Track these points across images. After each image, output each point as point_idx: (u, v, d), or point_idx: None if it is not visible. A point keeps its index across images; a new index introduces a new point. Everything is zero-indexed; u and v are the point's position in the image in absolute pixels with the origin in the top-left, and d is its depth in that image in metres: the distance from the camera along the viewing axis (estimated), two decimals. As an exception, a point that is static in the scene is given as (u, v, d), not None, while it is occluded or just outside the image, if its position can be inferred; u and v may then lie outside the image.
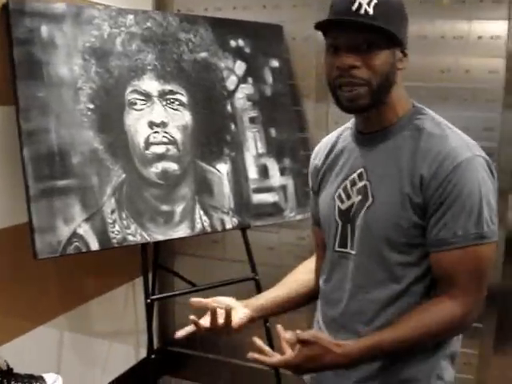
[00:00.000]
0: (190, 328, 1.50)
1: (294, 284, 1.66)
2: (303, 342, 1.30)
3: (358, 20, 1.31)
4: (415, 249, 1.37)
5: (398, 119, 1.41)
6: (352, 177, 1.46)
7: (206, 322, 1.48)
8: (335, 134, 1.59)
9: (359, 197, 1.43)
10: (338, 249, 1.49)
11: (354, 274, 1.44)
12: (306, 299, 1.66)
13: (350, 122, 1.55)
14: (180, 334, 1.52)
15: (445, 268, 1.33)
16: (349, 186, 1.46)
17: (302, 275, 1.68)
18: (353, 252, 1.44)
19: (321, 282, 1.58)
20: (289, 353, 1.33)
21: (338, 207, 1.48)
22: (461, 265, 1.32)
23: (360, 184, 1.44)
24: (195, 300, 1.53)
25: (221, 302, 1.52)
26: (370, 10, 1.31)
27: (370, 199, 1.40)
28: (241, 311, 1.55)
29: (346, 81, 1.34)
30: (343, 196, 1.47)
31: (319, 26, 1.39)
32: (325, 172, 1.56)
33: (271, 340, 2.64)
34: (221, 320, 1.46)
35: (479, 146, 1.38)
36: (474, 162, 1.32)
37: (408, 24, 1.42)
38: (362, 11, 1.31)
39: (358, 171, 1.44)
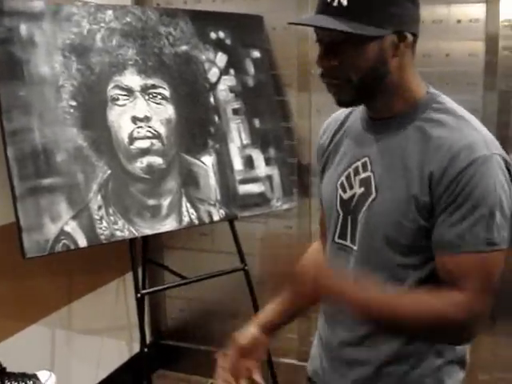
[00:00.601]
0: None
1: None
2: None
3: (318, 24, 1.24)
4: (417, 252, 1.27)
5: (410, 107, 1.29)
6: (356, 165, 1.36)
7: None
8: (344, 112, 1.48)
9: (362, 189, 1.33)
10: (337, 240, 1.41)
11: (353, 268, 1.35)
12: None
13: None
14: None
15: (451, 272, 1.23)
16: (352, 174, 1.36)
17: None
18: (353, 247, 1.36)
19: None
20: None
21: (340, 196, 1.39)
22: (468, 270, 1.21)
23: (363, 175, 1.34)
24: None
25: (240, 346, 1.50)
26: (344, 1, 1.20)
27: (374, 194, 1.30)
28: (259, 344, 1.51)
29: (325, 80, 1.30)
30: (346, 185, 1.38)
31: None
32: (330, 152, 1.47)
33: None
34: None
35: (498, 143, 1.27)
36: (490, 160, 1.19)
37: (406, 2, 1.26)
38: (336, 3, 1.21)
39: (363, 160, 1.34)
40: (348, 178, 1.37)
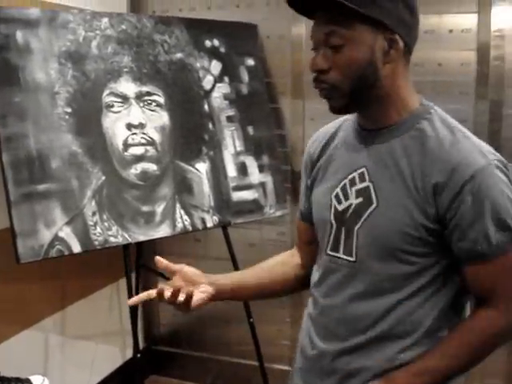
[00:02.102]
0: (143, 296, 1.40)
1: (267, 273, 1.56)
2: None
3: None
4: (420, 258, 1.27)
5: (404, 118, 1.30)
6: (352, 176, 1.35)
7: (166, 294, 1.35)
8: (334, 125, 1.48)
9: (359, 199, 1.32)
10: (329, 252, 1.39)
11: (351, 281, 1.34)
12: (279, 292, 1.59)
13: (351, 114, 1.44)
14: (132, 301, 1.43)
15: (484, 281, 1.25)
16: (348, 185, 1.35)
17: (278, 267, 1.58)
18: (349, 258, 1.34)
19: (311, 284, 1.48)
20: None
21: (335, 208, 1.37)
22: (500, 275, 1.24)
23: (361, 185, 1.33)
24: (161, 260, 1.45)
25: (187, 274, 1.46)
26: None
27: (374, 204, 1.30)
28: (204, 289, 1.45)
29: (316, 86, 1.30)
30: (341, 196, 1.36)
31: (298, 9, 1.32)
32: (321, 166, 1.45)
33: (255, 336, 2.67)
34: (181, 298, 1.35)
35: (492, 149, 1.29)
36: (489, 169, 1.22)
37: (401, 3, 1.25)
38: None
39: (359, 171, 1.34)
40: (344, 188, 1.36)
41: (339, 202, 1.37)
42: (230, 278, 1.54)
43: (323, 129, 1.52)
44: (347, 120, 1.45)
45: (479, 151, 1.23)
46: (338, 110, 1.33)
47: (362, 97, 1.28)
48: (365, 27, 1.23)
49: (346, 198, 1.35)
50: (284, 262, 1.60)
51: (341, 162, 1.40)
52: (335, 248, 1.38)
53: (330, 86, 1.27)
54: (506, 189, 1.23)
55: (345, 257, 1.35)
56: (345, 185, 1.36)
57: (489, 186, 1.21)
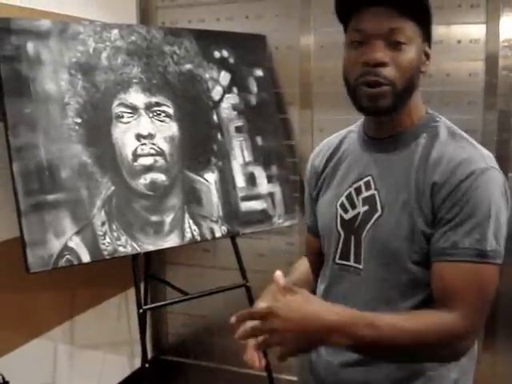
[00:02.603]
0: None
1: (306, 286, 1.49)
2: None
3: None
4: (422, 267, 1.27)
5: (412, 126, 1.32)
6: (358, 184, 1.36)
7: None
8: (338, 137, 1.50)
9: (365, 207, 1.33)
10: (338, 261, 1.39)
11: (358, 289, 1.34)
12: None
13: (355, 125, 1.47)
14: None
15: (444, 280, 1.22)
16: (354, 194, 1.36)
17: (310, 278, 1.55)
18: (359, 266, 1.34)
19: (318, 293, 1.47)
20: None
21: (341, 217, 1.38)
22: (461, 280, 1.21)
23: (367, 193, 1.34)
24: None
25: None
26: None
27: (379, 211, 1.30)
28: None
29: (371, 79, 1.24)
30: (347, 205, 1.37)
31: (343, 8, 1.29)
32: (325, 177, 1.47)
33: (264, 345, 2.66)
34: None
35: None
36: (487, 173, 1.22)
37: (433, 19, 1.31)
38: None
39: (365, 179, 1.35)
40: (349, 197, 1.37)
41: (345, 211, 1.38)
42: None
43: (326, 141, 1.54)
44: (351, 131, 1.47)
45: (480, 155, 1.25)
46: (384, 111, 1.29)
47: (406, 100, 1.29)
48: (419, 33, 1.27)
49: (353, 206, 1.36)
50: (309, 273, 1.58)
51: (345, 172, 1.41)
52: (345, 257, 1.38)
53: (389, 82, 1.24)
54: (494, 197, 1.21)
55: (355, 265, 1.36)
56: (350, 193, 1.37)
57: (479, 188, 1.20)
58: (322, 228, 1.47)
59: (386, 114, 1.30)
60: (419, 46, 1.27)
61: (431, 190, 1.24)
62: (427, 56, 1.31)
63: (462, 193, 1.20)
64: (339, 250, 1.39)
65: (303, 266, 1.60)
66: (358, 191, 1.36)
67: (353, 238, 1.36)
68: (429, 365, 1.31)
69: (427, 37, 1.30)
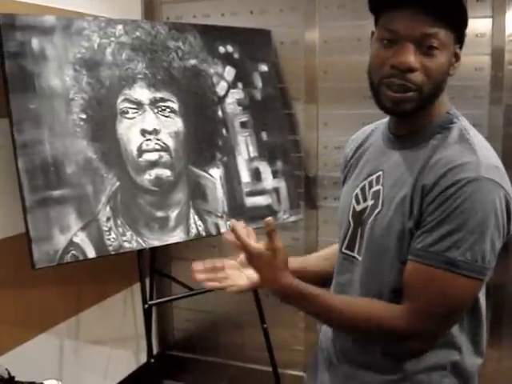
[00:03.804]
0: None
1: (329, 262, 1.55)
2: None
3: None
4: None
5: (429, 124, 1.29)
6: (371, 178, 1.37)
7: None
8: (371, 127, 1.50)
9: (372, 201, 1.34)
10: (344, 250, 1.42)
11: (355, 280, 1.36)
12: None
13: (388, 118, 1.42)
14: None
15: (408, 278, 1.23)
16: (367, 187, 1.37)
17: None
18: (359, 258, 1.36)
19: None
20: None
21: (353, 207, 1.40)
22: (421, 281, 1.21)
23: (375, 188, 1.35)
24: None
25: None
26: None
27: (379, 207, 1.31)
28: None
29: (398, 83, 1.22)
30: (360, 197, 1.39)
31: (377, 1, 1.25)
32: (350, 166, 1.49)
33: (269, 341, 2.67)
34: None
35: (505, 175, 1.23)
36: (477, 183, 1.17)
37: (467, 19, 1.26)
38: None
39: (377, 174, 1.35)
40: (363, 190, 1.38)
41: (358, 203, 1.39)
42: (294, 262, 1.49)
43: (363, 129, 1.53)
44: (382, 123, 1.44)
45: (477, 164, 1.19)
46: (407, 113, 1.27)
47: (431, 103, 1.27)
48: (452, 38, 1.23)
49: (365, 199, 1.37)
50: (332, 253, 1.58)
51: (365, 164, 1.42)
52: (351, 247, 1.40)
53: (417, 87, 1.22)
54: (483, 208, 1.17)
55: (357, 256, 1.37)
56: (364, 186, 1.38)
57: (464, 198, 1.16)
58: (339, 215, 1.48)
59: (409, 117, 1.29)
60: (451, 51, 1.24)
61: (421, 192, 1.22)
62: (457, 58, 1.27)
63: (445, 198, 1.18)
64: (347, 240, 1.41)
65: (332, 247, 1.60)
66: (371, 185, 1.37)
67: (359, 229, 1.37)
68: (418, 369, 1.30)
69: (460, 38, 1.26)
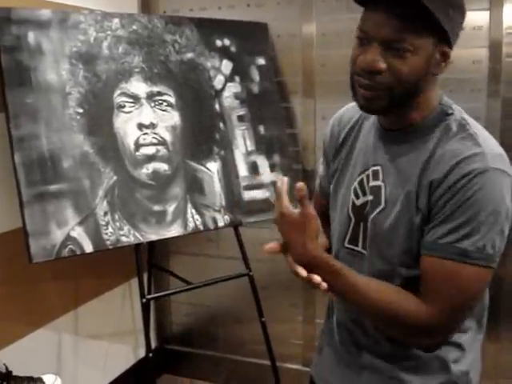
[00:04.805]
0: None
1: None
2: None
3: None
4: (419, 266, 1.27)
5: (424, 119, 1.28)
6: (368, 172, 1.36)
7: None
8: (359, 112, 1.43)
9: (371, 196, 1.34)
10: (347, 245, 1.41)
11: (366, 274, 1.34)
12: None
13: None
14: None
15: (423, 273, 1.24)
16: (365, 181, 1.36)
17: None
18: (365, 252, 1.36)
19: None
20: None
21: (353, 202, 1.39)
22: (437, 275, 1.22)
23: (374, 183, 1.34)
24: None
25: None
26: None
27: (383, 204, 1.31)
28: None
29: (364, 83, 1.23)
30: (359, 191, 1.38)
31: None
32: (343, 155, 1.46)
33: (267, 335, 2.67)
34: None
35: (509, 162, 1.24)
36: (486, 174, 1.18)
37: (464, 16, 1.23)
38: None
39: (374, 168, 1.34)
40: (361, 184, 1.37)
41: (357, 197, 1.38)
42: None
43: (350, 108, 1.49)
44: None
45: (483, 155, 1.20)
46: (374, 112, 1.30)
47: (403, 102, 1.25)
48: (429, 38, 1.19)
49: (364, 193, 1.36)
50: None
51: (360, 156, 1.40)
52: (354, 241, 1.39)
53: (385, 88, 1.21)
54: (495, 198, 1.18)
55: (362, 250, 1.38)
56: (362, 180, 1.37)
57: (476, 190, 1.17)
58: (338, 208, 1.45)
59: (382, 114, 1.30)
60: (429, 52, 1.20)
61: (429, 188, 1.22)
62: (445, 56, 1.23)
63: (455, 191, 1.18)
64: (349, 234, 1.41)
65: None
66: (368, 179, 1.36)
67: (362, 224, 1.37)
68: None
69: (447, 38, 1.21)
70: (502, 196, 1.19)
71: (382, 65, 1.19)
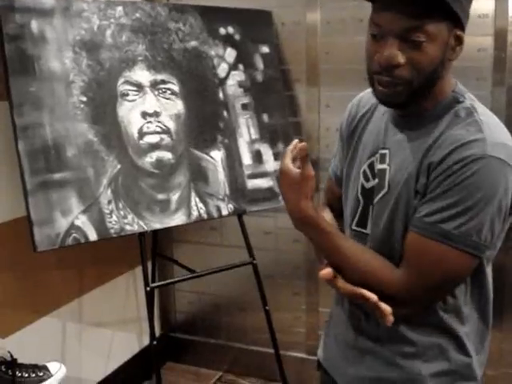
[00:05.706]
0: None
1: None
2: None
3: None
4: None
5: (435, 106, 1.28)
6: (377, 155, 1.37)
7: None
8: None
9: (377, 179, 1.35)
10: (354, 227, 1.42)
11: None
12: None
13: None
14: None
15: (405, 247, 1.27)
16: (375, 163, 1.37)
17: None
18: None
19: None
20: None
21: (362, 185, 1.40)
22: (413, 251, 1.25)
23: (380, 166, 1.35)
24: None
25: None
26: None
27: (386, 188, 1.32)
28: None
29: (384, 80, 1.23)
30: (369, 174, 1.39)
31: None
32: (355, 137, 1.47)
33: (271, 324, 2.68)
34: None
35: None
36: (482, 161, 1.17)
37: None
38: None
39: (383, 151, 1.35)
40: (371, 166, 1.38)
41: (367, 180, 1.39)
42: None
43: (369, 93, 1.48)
44: None
45: (483, 142, 1.19)
46: (394, 106, 1.31)
47: (425, 93, 1.26)
48: (443, 24, 1.19)
49: (374, 176, 1.37)
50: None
51: (371, 140, 1.41)
52: (362, 224, 1.40)
53: (405, 82, 1.22)
54: (486, 188, 1.18)
55: (369, 233, 1.39)
56: (372, 163, 1.38)
57: (469, 175, 1.18)
58: (348, 190, 1.47)
59: (402, 108, 1.30)
60: (445, 39, 1.20)
61: (428, 169, 1.24)
62: (460, 40, 1.23)
63: (449, 174, 1.19)
64: (357, 217, 1.42)
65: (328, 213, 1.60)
66: (376, 162, 1.37)
67: (370, 207, 1.38)
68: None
69: (459, 21, 1.21)
70: (495, 185, 1.19)
71: (402, 59, 1.19)
